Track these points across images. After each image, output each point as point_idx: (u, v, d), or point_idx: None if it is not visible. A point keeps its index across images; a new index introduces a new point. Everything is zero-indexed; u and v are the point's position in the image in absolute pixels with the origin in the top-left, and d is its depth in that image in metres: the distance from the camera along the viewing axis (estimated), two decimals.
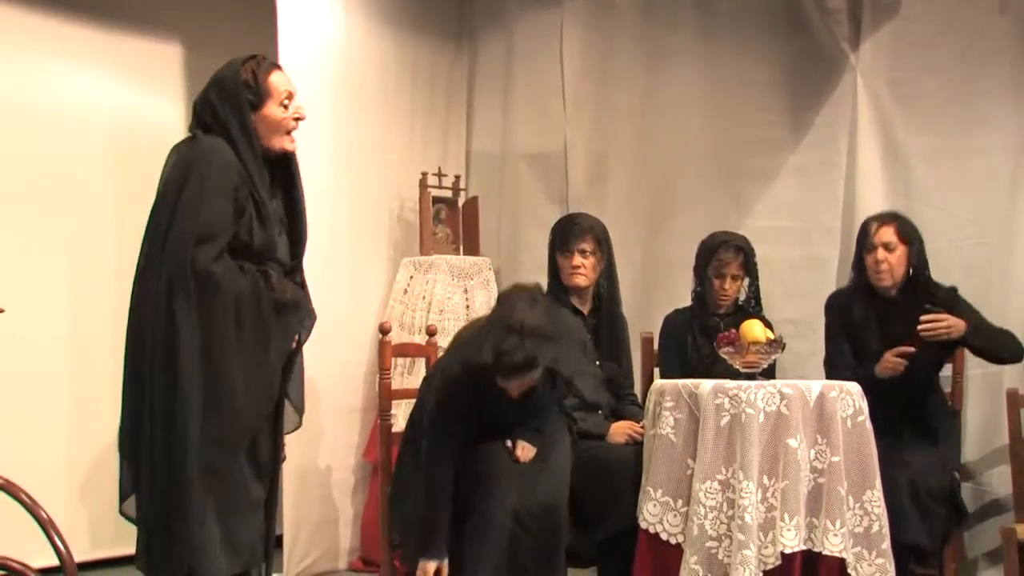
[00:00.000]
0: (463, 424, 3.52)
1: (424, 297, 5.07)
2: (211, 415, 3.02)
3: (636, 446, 3.86)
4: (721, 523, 3.48)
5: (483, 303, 5.20)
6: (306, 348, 3.42)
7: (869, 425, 3.59)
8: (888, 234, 4.01)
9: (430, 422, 3.58)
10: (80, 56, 5.01)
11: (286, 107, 3.25)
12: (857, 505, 3.53)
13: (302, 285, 3.38)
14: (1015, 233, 4.48)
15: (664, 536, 3.59)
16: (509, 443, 3.59)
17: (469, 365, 3.42)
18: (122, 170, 5.06)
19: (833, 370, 4.11)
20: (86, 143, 5.01)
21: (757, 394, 3.51)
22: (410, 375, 4.94)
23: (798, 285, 4.86)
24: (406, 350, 4.56)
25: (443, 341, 4.86)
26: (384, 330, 4.04)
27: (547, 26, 5.53)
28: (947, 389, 4.24)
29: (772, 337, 3.76)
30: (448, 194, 5.38)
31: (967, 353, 4.16)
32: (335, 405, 4.86)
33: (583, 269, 4.13)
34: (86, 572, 2.87)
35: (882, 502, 3.55)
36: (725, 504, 3.49)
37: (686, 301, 4.37)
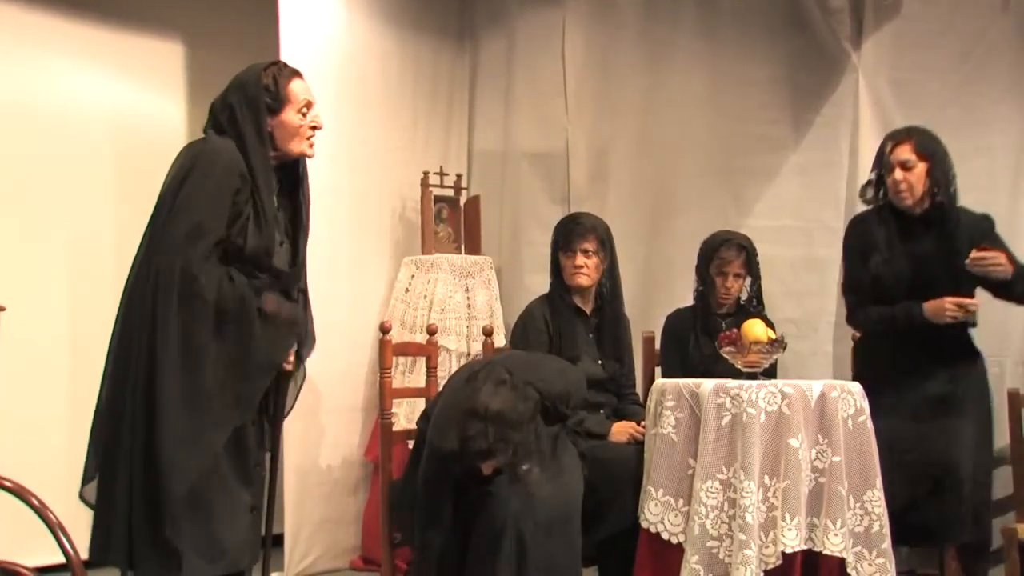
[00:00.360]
0: (455, 487, 3.49)
1: (425, 296, 5.07)
2: (185, 415, 3.02)
3: (637, 445, 3.86)
4: (722, 523, 3.48)
5: (484, 302, 5.20)
6: None
7: (870, 425, 3.59)
8: (905, 152, 3.83)
9: (420, 486, 3.54)
10: (81, 54, 5.01)
11: (304, 115, 3.27)
12: (858, 505, 3.53)
13: (304, 293, 3.38)
14: (1016, 232, 4.47)
15: (665, 536, 3.59)
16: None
17: (450, 438, 3.39)
18: (123, 168, 5.07)
19: (854, 295, 3.98)
20: (87, 141, 5.01)
21: (758, 394, 3.51)
22: (411, 374, 4.94)
23: (799, 285, 4.86)
24: (407, 349, 4.56)
25: (444, 340, 4.89)
26: (385, 329, 4.04)
27: (549, 25, 5.53)
28: None
29: (773, 337, 3.76)
30: (450, 193, 5.38)
31: None
32: (336, 404, 4.86)
33: (586, 269, 4.12)
34: (87, 570, 2.86)
35: (883, 502, 3.54)
36: (726, 504, 3.49)
37: (687, 300, 4.37)
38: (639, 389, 4.33)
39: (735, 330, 3.80)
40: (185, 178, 3.11)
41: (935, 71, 4.69)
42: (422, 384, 4.32)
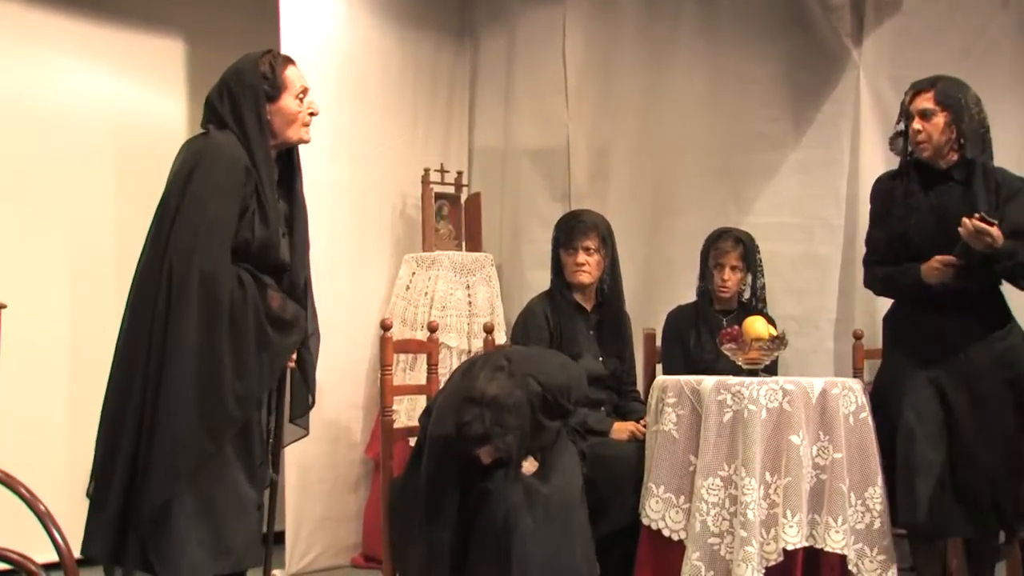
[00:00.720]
0: (456, 481, 3.48)
1: (426, 293, 5.08)
2: (195, 415, 3.01)
3: (638, 443, 3.86)
4: (723, 520, 3.48)
5: (485, 299, 5.20)
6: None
7: (871, 422, 3.59)
8: (924, 100, 3.59)
9: (423, 485, 3.54)
10: (82, 52, 5.01)
11: (301, 100, 3.28)
12: (859, 502, 3.53)
13: (307, 287, 3.38)
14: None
15: (666, 532, 3.59)
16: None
17: (449, 428, 3.40)
18: (124, 166, 5.07)
19: (868, 255, 3.78)
20: (88, 139, 5.01)
21: (759, 391, 3.51)
22: (412, 371, 4.94)
23: (800, 282, 4.86)
24: (408, 346, 4.56)
25: (445, 337, 4.89)
26: (386, 326, 4.04)
27: (549, 22, 5.53)
28: None
29: (775, 334, 3.77)
30: (450, 190, 5.38)
31: None
32: (337, 401, 4.86)
33: (587, 267, 4.12)
34: (87, 568, 2.86)
35: (884, 499, 3.54)
36: (727, 501, 3.49)
37: (688, 297, 4.37)
38: (640, 386, 4.33)
39: (736, 327, 3.80)
40: (190, 175, 3.10)
41: (936, 68, 4.62)
42: (423, 381, 4.32)
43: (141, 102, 5.21)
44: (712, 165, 5.12)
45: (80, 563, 2.61)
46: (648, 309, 4.85)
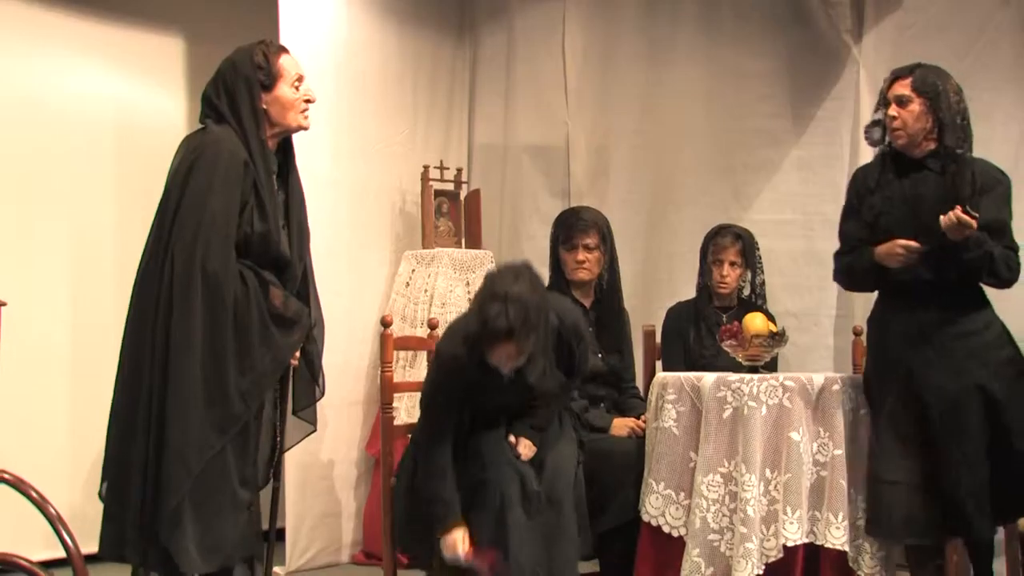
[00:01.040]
0: (460, 407, 3.49)
1: (426, 290, 5.07)
2: (198, 414, 3.02)
3: (638, 439, 3.86)
4: (723, 516, 3.49)
5: None
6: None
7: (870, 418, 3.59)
8: (902, 87, 3.51)
9: (424, 404, 3.57)
10: (81, 49, 5.01)
11: (296, 88, 3.29)
12: (859, 498, 3.53)
13: (309, 277, 3.38)
14: (1016, 225, 4.44)
15: (666, 529, 3.59)
16: (512, 438, 3.57)
17: (458, 343, 3.41)
18: (123, 163, 5.06)
19: (840, 247, 3.71)
20: (87, 136, 5.01)
21: (759, 387, 3.51)
22: (412, 368, 4.94)
23: (800, 278, 4.85)
24: (408, 343, 4.56)
25: None
26: (386, 323, 4.04)
27: (549, 18, 5.53)
28: None
29: (774, 330, 3.76)
30: (450, 187, 5.38)
31: None
32: (337, 398, 4.86)
33: (587, 264, 4.12)
34: (88, 565, 2.86)
35: None
36: (727, 497, 3.49)
37: (687, 294, 4.37)
38: (640, 383, 4.33)
39: (736, 323, 3.80)
40: (190, 171, 3.10)
41: (936, 64, 4.67)
42: (423, 378, 4.31)
43: (141, 99, 5.20)
44: (712, 161, 5.11)
45: (87, 560, 2.62)
46: (648, 305, 4.85)
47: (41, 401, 4.76)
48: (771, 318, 3.96)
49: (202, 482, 3.04)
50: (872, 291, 3.71)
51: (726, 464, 3.51)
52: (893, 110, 3.51)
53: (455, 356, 3.44)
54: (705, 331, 4.18)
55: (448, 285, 5.08)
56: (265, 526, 3.43)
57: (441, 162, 5.38)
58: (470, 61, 5.78)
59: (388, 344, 4.00)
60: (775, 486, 3.47)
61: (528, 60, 5.59)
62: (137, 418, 3.05)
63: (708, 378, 3.60)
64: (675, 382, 3.67)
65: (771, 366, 3.92)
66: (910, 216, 3.48)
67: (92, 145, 5.02)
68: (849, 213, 3.67)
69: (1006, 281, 3.47)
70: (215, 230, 3.05)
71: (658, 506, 3.61)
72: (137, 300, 3.15)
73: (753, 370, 3.68)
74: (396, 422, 4.04)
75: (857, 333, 4.37)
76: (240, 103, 3.18)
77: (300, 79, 3.31)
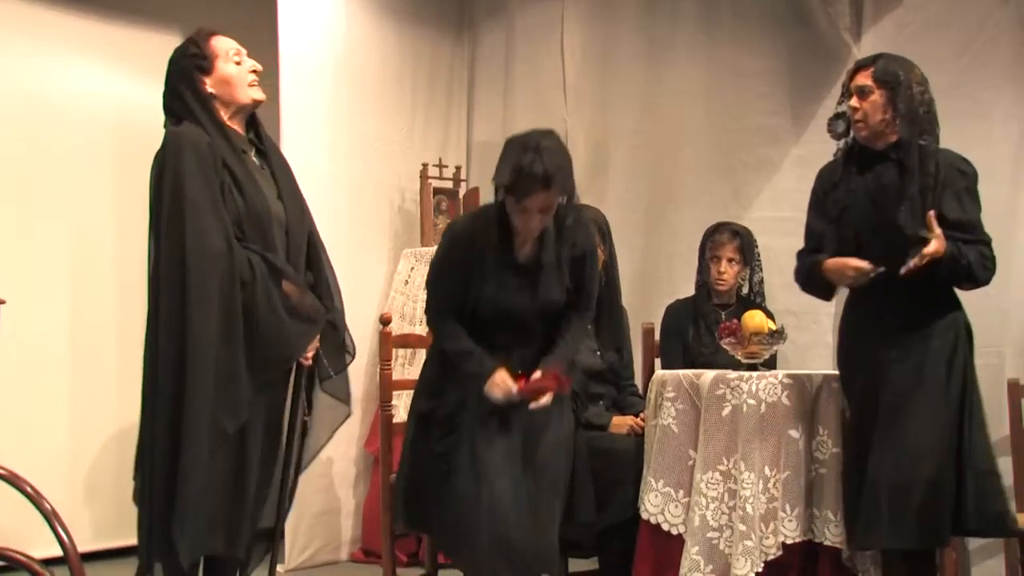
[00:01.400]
0: (466, 283, 3.35)
1: (425, 288, 5.07)
2: (217, 396, 3.04)
3: (637, 437, 3.86)
4: (722, 514, 3.49)
5: None
6: None
7: None
8: (863, 78, 3.42)
9: (430, 280, 3.48)
10: (79, 47, 5.02)
11: (238, 63, 3.28)
12: None
13: (315, 245, 3.39)
14: (1016, 223, 4.46)
15: (665, 527, 3.60)
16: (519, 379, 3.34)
17: (470, 217, 3.31)
18: (122, 161, 5.07)
19: (804, 244, 3.67)
20: (86, 134, 5.01)
21: (758, 385, 3.51)
22: (411, 366, 4.94)
23: None
24: (407, 341, 4.56)
25: None
26: (385, 321, 4.05)
27: (548, 16, 5.53)
28: None
29: (773, 328, 3.76)
30: (449, 185, 5.38)
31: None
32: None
33: None
34: (89, 563, 2.87)
35: None
36: (726, 495, 3.49)
37: (686, 292, 4.37)
38: (639, 381, 4.33)
39: (735, 321, 3.80)
40: (161, 175, 3.12)
41: (935, 62, 4.63)
42: None
43: (141, 98, 5.18)
44: (711, 160, 5.11)
45: (83, 558, 2.61)
46: (647, 303, 4.85)
47: (40, 400, 4.76)
48: (770, 316, 3.96)
49: (206, 475, 3.05)
50: (828, 300, 3.68)
51: (725, 462, 3.51)
52: (855, 101, 3.43)
53: (466, 223, 3.40)
54: (704, 329, 4.18)
55: None
56: (262, 524, 3.43)
57: (440, 160, 5.39)
58: (469, 59, 5.78)
59: (387, 342, 4.00)
60: (774, 484, 3.47)
61: (527, 58, 5.59)
62: (158, 413, 3.07)
63: (707, 376, 3.60)
64: (674, 380, 3.68)
65: (770, 364, 3.92)
66: (871, 210, 3.42)
67: (92, 144, 5.03)
68: (813, 208, 3.62)
69: (985, 282, 3.44)
70: (203, 210, 3.06)
71: (657, 504, 3.61)
72: (150, 301, 3.17)
73: (752, 368, 3.68)
74: (395, 420, 4.04)
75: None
76: (185, 95, 3.20)
77: (239, 53, 3.31)
